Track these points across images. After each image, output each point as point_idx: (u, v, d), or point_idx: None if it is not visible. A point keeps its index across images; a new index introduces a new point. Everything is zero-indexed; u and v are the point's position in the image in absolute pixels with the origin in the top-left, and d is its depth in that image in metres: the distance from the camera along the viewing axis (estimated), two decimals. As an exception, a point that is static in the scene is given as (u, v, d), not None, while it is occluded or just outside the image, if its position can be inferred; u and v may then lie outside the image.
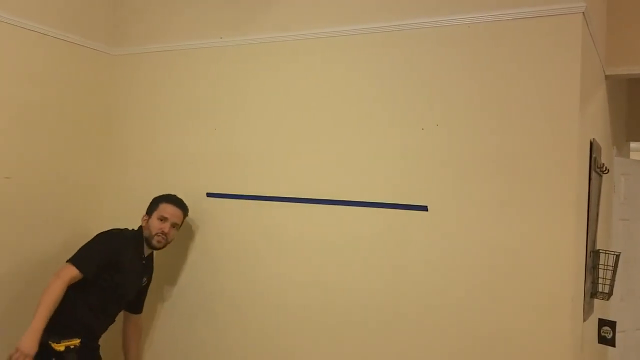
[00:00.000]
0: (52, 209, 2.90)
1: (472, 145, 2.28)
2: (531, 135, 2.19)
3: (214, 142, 2.86)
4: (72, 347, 2.33)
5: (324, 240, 2.55)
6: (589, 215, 2.56)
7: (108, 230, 2.64)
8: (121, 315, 2.75)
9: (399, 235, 2.40)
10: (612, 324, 2.86)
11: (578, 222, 2.22)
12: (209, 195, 2.86)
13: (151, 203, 2.70)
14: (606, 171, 2.94)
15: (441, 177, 2.33)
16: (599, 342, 2.92)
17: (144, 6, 3.15)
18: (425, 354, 2.33)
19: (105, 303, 2.53)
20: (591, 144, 2.54)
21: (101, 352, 2.63)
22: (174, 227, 2.65)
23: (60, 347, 2.30)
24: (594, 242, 2.76)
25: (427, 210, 2.35)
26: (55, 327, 2.33)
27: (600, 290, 2.79)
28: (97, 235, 2.60)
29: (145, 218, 2.67)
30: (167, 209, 2.64)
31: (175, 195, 2.72)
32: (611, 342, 2.87)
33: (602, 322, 2.90)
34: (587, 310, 2.61)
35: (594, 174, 2.60)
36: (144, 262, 2.68)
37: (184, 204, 2.72)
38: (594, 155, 2.57)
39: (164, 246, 2.65)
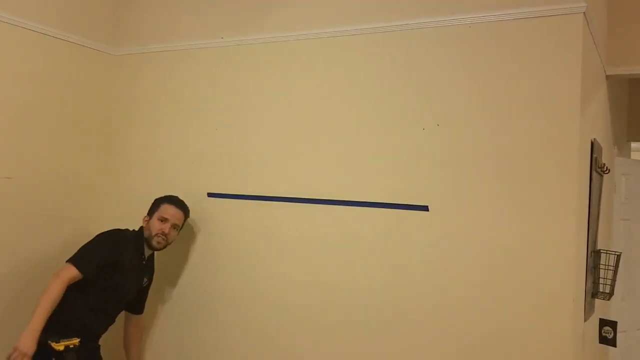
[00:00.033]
0: (53, 209, 2.90)
1: (473, 145, 2.28)
2: (532, 135, 2.19)
3: (214, 142, 2.86)
4: (71, 346, 2.33)
5: (325, 240, 2.55)
6: (590, 215, 2.56)
7: (108, 231, 2.64)
8: (122, 316, 2.75)
9: (400, 235, 2.40)
10: (613, 324, 2.86)
11: (579, 222, 2.22)
12: (209, 195, 2.86)
13: (152, 204, 2.70)
14: (607, 171, 2.94)
15: (442, 177, 2.33)
16: (600, 342, 2.92)
17: (144, 6, 3.15)
18: (426, 354, 2.32)
19: (105, 303, 2.53)
20: (592, 144, 2.54)
21: (102, 353, 2.64)
22: (174, 228, 2.65)
23: (59, 346, 2.30)
24: (595, 242, 2.76)
25: (427, 210, 2.35)
26: (55, 326, 2.33)
27: (601, 290, 2.79)
28: (97, 236, 2.60)
29: (146, 219, 2.67)
30: (168, 210, 2.64)
31: (176, 197, 2.72)
32: (612, 342, 2.86)
33: (603, 322, 2.90)
34: (588, 310, 2.60)
35: (594, 174, 2.60)
36: (144, 262, 2.68)
37: (185, 205, 2.72)
38: (594, 155, 2.57)
39: (164, 247, 2.65)
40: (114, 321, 2.65)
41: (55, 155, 2.91)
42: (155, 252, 2.75)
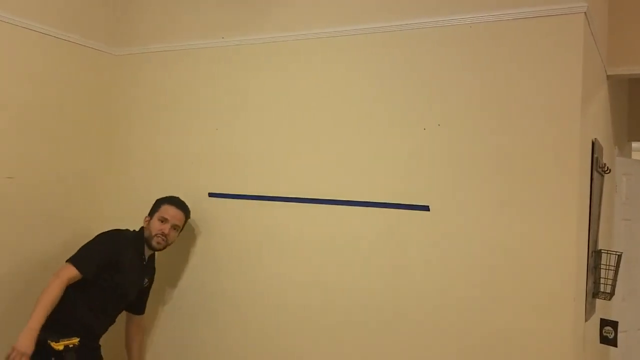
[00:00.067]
0: (53, 209, 2.90)
1: (473, 145, 2.28)
2: (533, 135, 2.18)
3: (215, 142, 2.86)
4: (71, 346, 2.33)
5: (325, 240, 2.55)
6: (591, 215, 2.55)
7: (109, 231, 2.64)
8: (123, 316, 2.75)
9: (400, 235, 2.40)
10: (614, 324, 2.86)
11: (580, 222, 2.22)
12: (210, 195, 2.85)
13: (154, 204, 2.70)
14: (608, 171, 2.94)
15: (443, 177, 2.33)
16: (600, 342, 2.92)
17: (145, 6, 3.15)
18: (427, 354, 2.32)
19: (105, 303, 2.53)
20: (593, 144, 2.54)
21: (103, 353, 2.64)
22: (174, 228, 2.65)
23: (59, 346, 2.30)
24: (596, 242, 2.75)
25: (428, 210, 2.35)
26: (55, 326, 2.33)
27: (602, 290, 2.79)
28: (97, 236, 2.60)
29: (147, 219, 2.67)
30: (168, 211, 2.64)
31: (177, 197, 2.72)
32: (613, 342, 2.86)
33: (604, 322, 2.90)
34: (589, 310, 2.60)
35: (595, 174, 2.60)
36: (144, 263, 2.68)
37: (186, 206, 2.72)
38: (595, 155, 2.57)
39: (163, 247, 2.64)
40: (115, 321, 2.65)
41: (56, 155, 2.90)
42: (156, 253, 2.75)
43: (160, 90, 3.05)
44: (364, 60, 2.52)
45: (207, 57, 2.91)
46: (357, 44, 2.54)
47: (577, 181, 2.14)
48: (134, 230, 2.69)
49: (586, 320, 2.53)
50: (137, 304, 2.77)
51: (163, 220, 2.62)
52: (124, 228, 2.69)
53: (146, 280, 2.72)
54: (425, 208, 2.35)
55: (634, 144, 4.65)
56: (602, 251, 2.83)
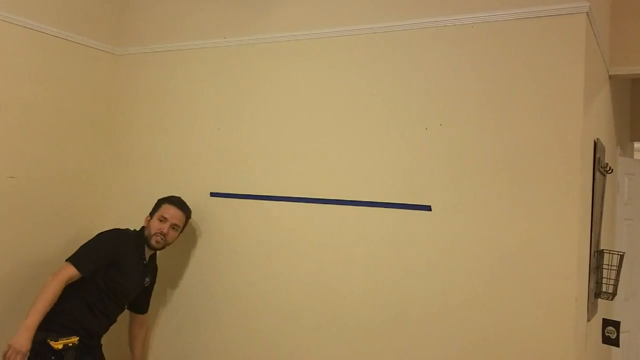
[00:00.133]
0: (55, 209, 2.90)
1: (475, 145, 2.28)
2: (535, 135, 2.18)
3: (217, 141, 2.87)
4: (70, 345, 2.33)
5: (327, 240, 2.55)
6: (593, 215, 2.55)
7: (109, 230, 2.65)
8: (126, 315, 2.76)
9: (402, 235, 2.40)
10: (616, 324, 2.86)
11: (582, 221, 2.22)
12: (212, 195, 2.86)
13: (155, 204, 2.70)
14: (610, 171, 2.94)
15: (445, 177, 2.33)
16: (603, 342, 2.92)
17: (148, 6, 3.15)
18: (429, 353, 2.32)
19: (105, 303, 2.53)
20: (595, 143, 2.54)
21: (106, 352, 2.64)
22: (173, 228, 2.65)
23: (58, 345, 2.30)
24: (598, 242, 2.75)
25: (430, 210, 2.35)
26: (54, 325, 2.34)
27: (604, 290, 2.79)
28: (97, 235, 2.61)
29: (147, 218, 2.68)
30: (168, 210, 2.64)
31: (178, 197, 2.73)
32: (615, 342, 2.86)
33: (606, 322, 2.89)
34: (591, 310, 2.60)
35: (597, 173, 2.60)
36: (145, 262, 2.68)
37: (187, 206, 2.72)
38: (597, 155, 2.57)
39: (162, 247, 2.65)
40: (116, 321, 2.65)
41: (57, 155, 2.91)
42: (158, 252, 2.75)
43: (162, 90, 3.05)
44: (365, 60, 2.52)
45: (210, 56, 2.92)
46: (362, 44, 2.53)
47: (579, 181, 2.14)
48: (135, 230, 2.69)
49: (588, 321, 2.52)
50: (140, 303, 2.77)
51: (162, 219, 2.62)
52: (124, 228, 2.70)
53: (147, 279, 2.72)
54: (427, 208, 2.35)
55: (636, 144, 4.65)
56: (604, 251, 2.82)
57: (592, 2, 2.20)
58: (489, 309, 2.22)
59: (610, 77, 3.15)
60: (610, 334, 2.86)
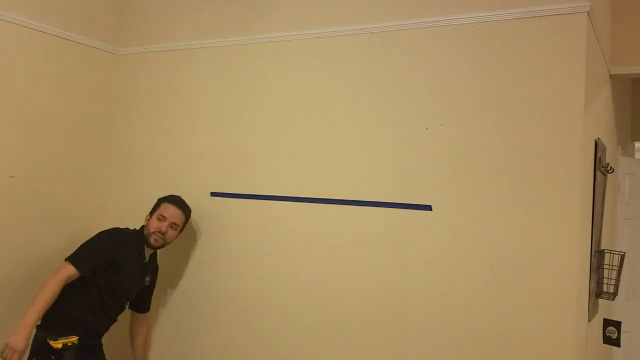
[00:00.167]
0: (55, 208, 2.91)
1: (476, 144, 2.28)
2: (536, 134, 2.18)
3: (217, 141, 2.87)
4: (70, 344, 2.33)
5: (328, 239, 2.55)
6: (594, 214, 2.55)
7: (109, 229, 2.65)
8: (128, 314, 2.75)
9: (403, 235, 2.39)
10: (617, 324, 2.85)
11: (583, 221, 2.22)
12: (213, 194, 2.86)
13: (155, 203, 2.70)
14: (611, 171, 2.93)
15: (445, 177, 2.33)
16: (604, 342, 2.91)
17: (148, 6, 3.15)
18: (429, 353, 2.32)
19: (105, 302, 2.53)
20: (596, 143, 2.54)
21: (107, 351, 2.64)
22: (172, 227, 2.64)
23: (57, 344, 2.30)
24: (599, 241, 2.75)
25: (431, 210, 2.34)
26: (54, 324, 2.34)
27: (605, 290, 2.78)
28: (97, 234, 2.61)
29: (147, 217, 2.68)
30: (167, 209, 2.64)
31: (178, 197, 2.73)
32: (616, 343, 2.85)
33: (607, 322, 2.89)
34: (592, 310, 2.59)
35: (598, 173, 2.59)
36: (145, 261, 2.68)
37: (186, 205, 2.72)
38: (598, 155, 2.56)
39: (161, 245, 2.65)
40: (116, 320, 2.65)
41: (57, 154, 2.91)
42: (159, 252, 2.75)
43: (163, 90, 3.05)
44: (366, 59, 2.52)
45: (210, 56, 2.92)
46: (362, 44, 2.53)
47: (580, 181, 2.14)
48: (135, 229, 2.69)
49: (589, 321, 2.52)
50: (141, 302, 2.78)
51: (161, 218, 2.62)
52: (124, 227, 2.70)
53: (148, 278, 2.71)
54: (428, 208, 2.35)
55: (637, 144, 4.64)
56: (605, 251, 2.82)
57: (593, 2, 2.20)
58: (489, 309, 2.22)
59: (611, 76, 3.15)
60: (611, 334, 2.86)
